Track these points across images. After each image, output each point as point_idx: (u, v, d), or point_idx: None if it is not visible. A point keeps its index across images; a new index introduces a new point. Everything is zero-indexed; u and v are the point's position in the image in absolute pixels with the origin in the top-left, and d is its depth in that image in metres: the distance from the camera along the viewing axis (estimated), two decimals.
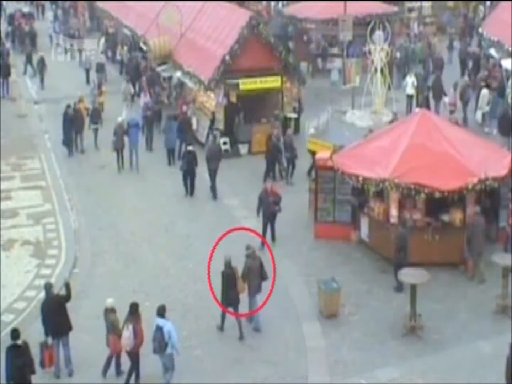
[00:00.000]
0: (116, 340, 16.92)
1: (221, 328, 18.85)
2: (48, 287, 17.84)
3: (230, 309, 18.51)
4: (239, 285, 18.50)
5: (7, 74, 39.90)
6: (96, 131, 31.20)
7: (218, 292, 18.74)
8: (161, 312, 16.67)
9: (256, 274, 18.77)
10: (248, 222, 24.18)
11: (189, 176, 26.60)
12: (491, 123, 31.70)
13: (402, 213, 21.46)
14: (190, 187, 26.67)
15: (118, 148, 28.97)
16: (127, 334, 16.50)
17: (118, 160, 29.12)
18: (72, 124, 30.44)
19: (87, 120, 31.34)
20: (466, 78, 36.40)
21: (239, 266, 18.70)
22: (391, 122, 28.17)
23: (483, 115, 32.30)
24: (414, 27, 46.56)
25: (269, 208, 22.71)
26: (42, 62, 40.49)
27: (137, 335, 16.52)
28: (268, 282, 19.43)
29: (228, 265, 18.52)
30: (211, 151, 27.29)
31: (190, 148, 27.15)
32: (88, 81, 40.46)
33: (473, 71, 37.71)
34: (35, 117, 36.18)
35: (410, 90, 33.82)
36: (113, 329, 17.00)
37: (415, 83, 33.82)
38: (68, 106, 30.87)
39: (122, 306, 20.07)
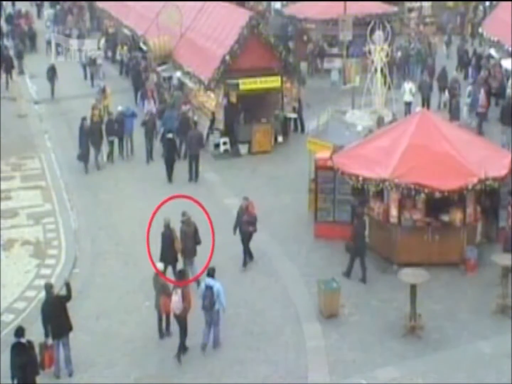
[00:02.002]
0: (167, 301, 18.03)
1: None
2: (48, 287, 17.84)
3: (169, 267, 20.25)
4: (176, 245, 20.50)
5: (10, 67, 40.29)
6: (112, 143, 29.91)
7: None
8: (211, 273, 18.17)
9: (190, 239, 20.65)
10: None
11: (169, 162, 28.11)
12: (471, 114, 32.23)
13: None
14: (169, 173, 28.11)
15: (119, 136, 30.19)
16: (176, 298, 17.66)
17: (119, 147, 30.32)
18: (89, 138, 28.84)
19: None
20: (454, 73, 36.35)
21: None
22: (390, 122, 28.10)
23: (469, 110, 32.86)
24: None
25: (243, 226, 21.71)
26: (52, 70, 38.65)
27: (186, 298, 17.66)
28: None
29: (167, 226, 20.62)
30: (191, 137, 28.26)
31: (170, 135, 28.31)
32: (85, 76, 41.10)
33: (475, 70, 37.89)
34: (35, 117, 36.20)
35: (408, 97, 33.20)
36: (163, 291, 18.23)
37: (413, 90, 33.29)
38: (84, 118, 29.24)
39: (122, 306, 20.21)
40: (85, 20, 52.92)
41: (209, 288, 17.95)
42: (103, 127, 29.77)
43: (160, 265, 18.99)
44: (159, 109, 32.14)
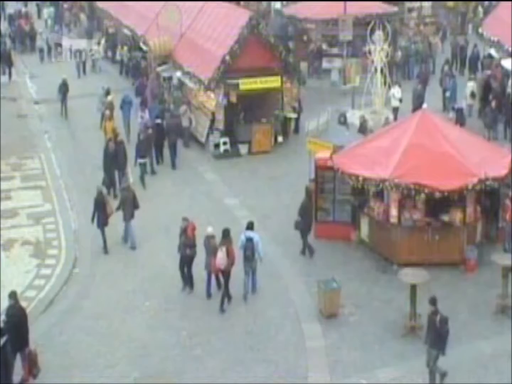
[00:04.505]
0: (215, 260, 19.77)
1: (105, 250, 22.90)
2: (13, 295, 17.22)
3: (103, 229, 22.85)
4: (108, 209, 22.85)
5: (7, 61, 40.72)
6: (143, 166, 27.73)
7: None
8: (250, 226, 20.37)
9: (130, 203, 23.12)
10: None
11: (157, 147, 29.24)
12: (450, 107, 32.50)
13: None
14: (160, 158, 29.40)
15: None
16: (221, 255, 19.49)
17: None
18: (114, 160, 26.64)
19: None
20: (446, 67, 36.37)
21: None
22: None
23: (468, 105, 33.09)
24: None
25: (181, 249, 20.75)
26: (64, 86, 35.53)
27: (230, 255, 19.52)
28: None
29: (99, 193, 23.01)
30: (169, 125, 29.61)
31: (158, 120, 29.75)
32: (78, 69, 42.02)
33: (472, 68, 38.14)
34: (35, 117, 36.18)
35: (395, 103, 32.66)
36: (214, 252, 19.70)
37: (396, 95, 32.67)
38: (110, 139, 27.65)
39: (122, 306, 20.21)
40: (82, 20, 52.53)
41: (249, 239, 19.96)
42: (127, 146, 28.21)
43: (211, 229, 20.34)
44: (160, 109, 32.05)
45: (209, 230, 20.41)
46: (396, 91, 32.90)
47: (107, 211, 22.78)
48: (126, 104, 32.19)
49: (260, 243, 20.10)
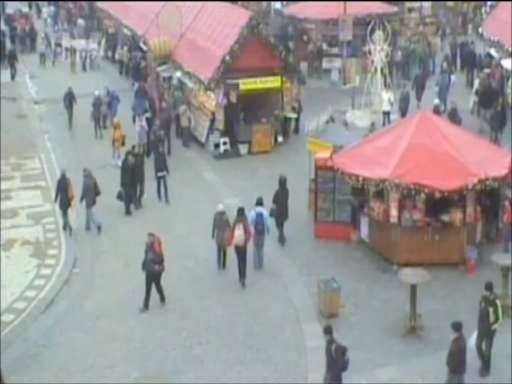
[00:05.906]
0: (229, 236, 20.83)
1: (64, 228, 24.26)
2: None
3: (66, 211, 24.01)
4: (70, 192, 24.01)
5: (11, 60, 41.34)
6: (162, 179, 26.35)
7: None
8: (259, 202, 21.62)
9: (91, 190, 24.24)
10: None
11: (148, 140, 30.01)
12: (441, 103, 32.46)
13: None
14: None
15: (96, 117, 32.85)
16: (239, 232, 20.54)
17: (96, 127, 32.84)
18: (133, 174, 25.53)
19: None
20: (444, 64, 36.42)
21: None
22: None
23: (474, 102, 33.22)
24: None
25: (148, 265, 19.86)
26: (70, 96, 34.05)
27: (247, 231, 20.66)
28: None
29: (63, 175, 24.21)
30: (162, 120, 30.22)
31: (147, 115, 31.02)
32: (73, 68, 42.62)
33: (469, 67, 38.51)
34: (35, 117, 36.20)
35: (386, 107, 32.23)
36: (227, 226, 20.96)
37: (391, 99, 32.34)
38: (128, 152, 25.99)
39: (122, 306, 20.20)
40: (79, 24, 52.39)
41: (259, 215, 21.23)
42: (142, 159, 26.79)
43: (221, 206, 21.56)
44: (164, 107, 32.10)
45: (220, 206, 21.62)
46: (390, 95, 32.56)
47: (69, 194, 23.93)
48: (113, 99, 33.26)
49: (268, 218, 21.50)
